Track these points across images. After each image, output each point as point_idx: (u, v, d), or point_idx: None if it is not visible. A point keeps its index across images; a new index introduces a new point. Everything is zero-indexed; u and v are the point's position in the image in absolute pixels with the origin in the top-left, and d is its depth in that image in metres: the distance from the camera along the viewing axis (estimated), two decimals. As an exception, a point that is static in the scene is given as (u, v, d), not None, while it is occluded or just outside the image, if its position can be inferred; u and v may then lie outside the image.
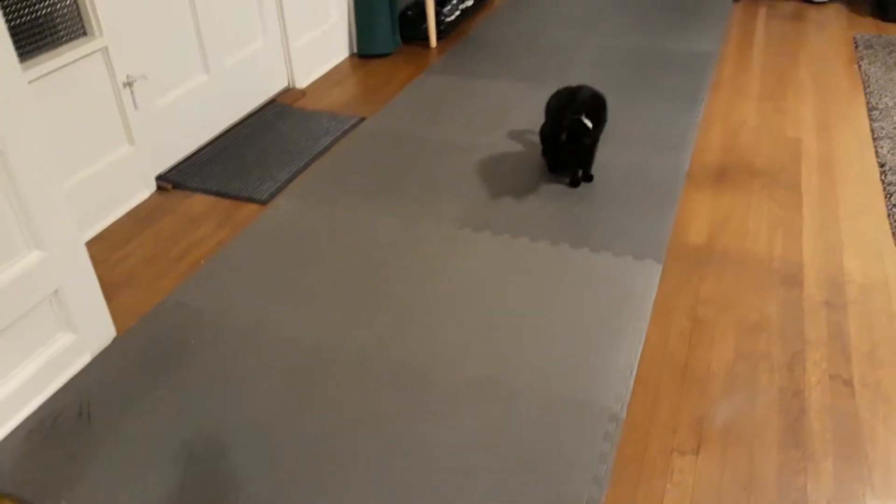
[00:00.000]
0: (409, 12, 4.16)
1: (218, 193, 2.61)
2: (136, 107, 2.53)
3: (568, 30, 3.97)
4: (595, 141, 2.47)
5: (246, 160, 2.81)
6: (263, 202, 2.55)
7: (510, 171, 2.67)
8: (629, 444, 1.62)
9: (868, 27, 3.87)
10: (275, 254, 2.27)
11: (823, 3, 4.23)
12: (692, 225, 2.34)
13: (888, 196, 2.41)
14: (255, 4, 3.10)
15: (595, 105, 2.39)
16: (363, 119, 3.13)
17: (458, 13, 4.24)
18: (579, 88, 2.47)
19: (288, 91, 3.41)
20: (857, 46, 3.59)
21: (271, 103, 3.28)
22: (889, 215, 2.33)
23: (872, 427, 1.64)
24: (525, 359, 1.84)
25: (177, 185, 2.67)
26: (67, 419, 1.72)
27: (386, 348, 1.89)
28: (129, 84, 2.48)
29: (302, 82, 3.47)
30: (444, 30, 4.02)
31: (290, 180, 2.68)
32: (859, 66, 3.39)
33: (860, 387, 1.74)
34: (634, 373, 1.80)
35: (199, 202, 2.58)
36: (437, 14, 4.06)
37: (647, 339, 1.90)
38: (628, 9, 4.23)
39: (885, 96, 3.06)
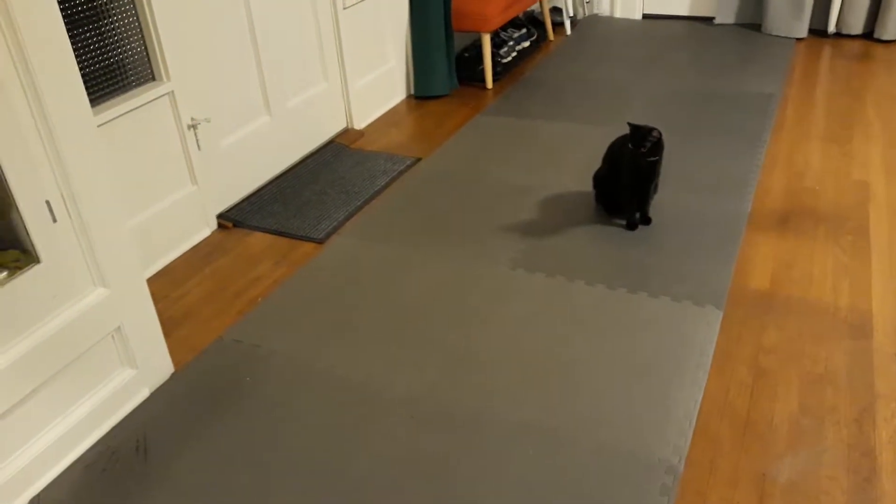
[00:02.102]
0: (466, 54, 4.22)
1: (276, 232, 2.66)
2: (199, 148, 2.61)
3: (624, 71, 3.96)
4: (657, 176, 2.43)
5: (304, 200, 2.86)
6: (320, 241, 2.59)
7: (565, 212, 2.65)
8: (687, 499, 1.56)
9: (939, 67, 3.74)
10: (329, 293, 2.29)
11: (892, 41, 4.12)
12: (754, 271, 2.28)
13: (964, 243, 2.31)
14: (316, 49, 3.18)
15: (657, 140, 2.36)
16: (419, 160, 3.16)
17: (514, 55, 4.28)
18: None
19: (346, 132, 3.47)
20: (927, 86, 3.48)
21: (330, 144, 3.34)
22: (965, 263, 2.22)
23: (951, 490, 1.54)
24: (579, 406, 1.80)
25: (237, 224, 2.73)
26: (125, 455, 1.75)
27: (437, 391, 1.88)
28: (193, 126, 2.56)
29: (360, 123, 3.54)
30: (500, 71, 4.06)
31: (346, 220, 2.71)
32: (930, 107, 3.28)
33: (936, 446, 1.64)
34: (693, 424, 1.74)
35: (258, 240, 2.63)
36: (494, 56, 4.11)
37: (707, 388, 1.84)
38: (686, 49, 4.19)
39: (959, 138, 2.95)
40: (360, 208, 2.79)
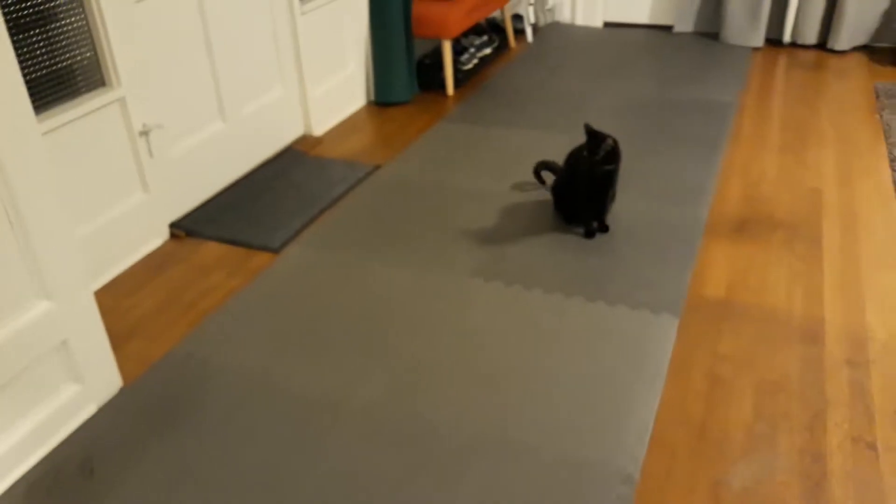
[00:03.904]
0: (427, 60, 4.20)
1: (230, 241, 2.61)
2: (151, 155, 2.55)
3: (585, 79, 3.98)
4: (614, 184, 2.44)
5: (260, 208, 2.82)
6: (275, 251, 2.54)
7: (525, 220, 2.65)
8: (643, 510, 1.56)
9: (889, 76, 3.83)
10: (285, 304, 2.25)
11: (844, 52, 4.21)
12: (710, 278, 2.30)
13: (912, 249, 2.35)
14: (273, 55, 3.14)
15: (612, 149, 2.36)
16: (378, 167, 3.14)
17: (475, 62, 4.28)
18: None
19: (304, 138, 3.43)
20: (878, 96, 3.56)
21: (287, 151, 3.30)
22: (913, 269, 2.27)
23: (899, 495, 1.57)
24: (536, 416, 1.79)
25: (190, 233, 2.67)
26: (70, 473, 1.69)
27: (394, 402, 1.85)
28: (145, 133, 2.51)
29: (319, 130, 3.50)
30: (461, 78, 4.06)
31: (303, 229, 2.67)
32: (881, 116, 3.35)
33: (884, 450, 1.66)
34: (650, 433, 1.74)
35: (211, 250, 2.58)
36: (455, 62, 4.11)
37: (664, 397, 1.85)
38: (646, 58, 4.24)
39: (908, 146, 3.02)
40: (317, 216, 2.76)
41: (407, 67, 3.79)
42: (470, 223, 2.65)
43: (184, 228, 2.68)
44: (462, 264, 2.41)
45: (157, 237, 2.63)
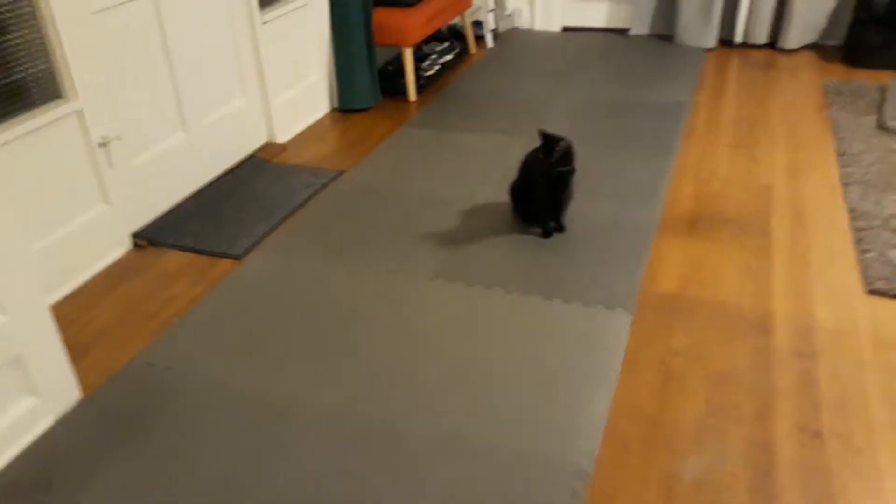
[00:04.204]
0: (390, 67, 4.24)
1: (193, 250, 2.62)
2: (111, 166, 2.55)
3: (544, 83, 4.04)
4: (570, 185, 2.49)
5: (223, 216, 2.83)
6: (238, 258, 2.56)
7: (485, 222, 2.69)
8: (596, 502, 1.60)
9: (837, 73, 3.95)
10: (247, 311, 2.27)
11: (794, 50, 4.33)
12: (663, 274, 2.35)
13: (857, 242, 2.43)
14: (233, 65, 3.15)
15: (566, 151, 2.41)
16: (341, 173, 3.16)
17: (437, 68, 4.32)
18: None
19: (268, 146, 3.44)
20: (826, 93, 3.66)
21: (250, 159, 3.31)
22: (859, 261, 2.34)
23: (843, 480, 1.62)
24: (495, 414, 1.82)
25: (152, 243, 2.67)
26: (25, 487, 1.69)
27: (355, 405, 1.88)
28: (104, 144, 2.50)
29: (282, 137, 3.52)
30: (423, 84, 4.10)
31: (265, 235, 2.69)
32: (829, 113, 3.45)
33: (830, 437, 1.73)
34: (603, 427, 1.78)
35: (174, 259, 2.58)
36: (416, 69, 4.14)
37: (617, 392, 1.89)
38: (604, 62, 4.31)
39: (855, 142, 3.11)
40: (280, 223, 2.77)
41: (369, 74, 3.82)
42: (432, 227, 2.68)
43: (146, 238, 2.68)
44: (424, 267, 2.44)
45: (120, 247, 2.63)
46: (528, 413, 1.82)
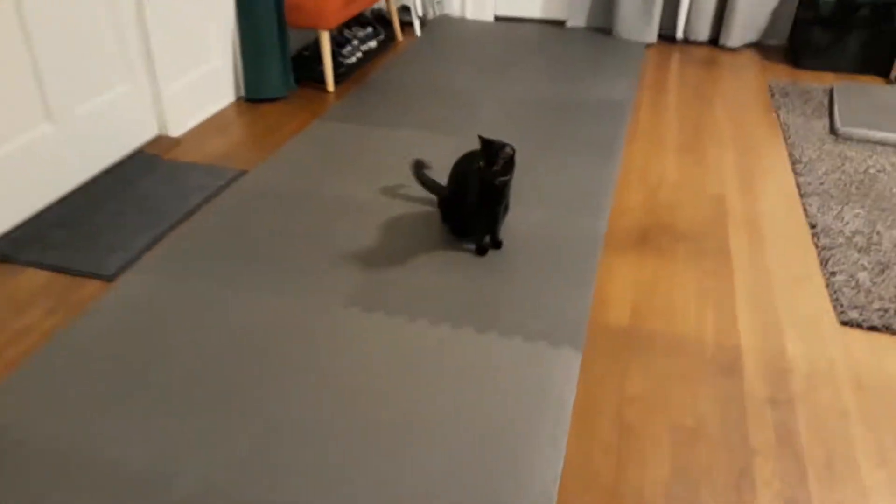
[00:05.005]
0: (306, 52, 3.82)
1: (55, 268, 2.16)
2: (-53, 165, 2.07)
3: (475, 75, 3.70)
4: (507, 195, 2.16)
5: (97, 225, 2.37)
6: (110, 278, 2.12)
7: (410, 235, 2.33)
8: None
9: (781, 74, 3.76)
10: (116, 348, 1.84)
11: (736, 48, 4.13)
12: (613, 300, 2.05)
13: (823, 263, 2.19)
14: (114, 45, 2.68)
15: (509, 158, 2.08)
16: (244, 173, 2.74)
17: (359, 55, 3.93)
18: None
19: (159, 140, 2.98)
20: (773, 94, 3.45)
21: (137, 155, 2.84)
22: (827, 286, 2.10)
23: (838, 565, 1.35)
24: (421, 478, 1.47)
25: (6, 259, 2.20)
26: None
27: (244, 476, 1.49)
28: (-64, 138, 2.02)
29: (176, 130, 3.06)
30: (343, 72, 3.69)
31: (146, 249, 2.25)
32: (778, 116, 3.24)
33: (818, 509, 1.45)
34: (555, 499, 1.45)
35: (30, 280, 2.12)
36: (336, 55, 3.74)
37: (568, 452, 1.57)
38: (538, 53, 4.00)
39: (808, 148, 2.89)
40: (165, 234, 2.34)
41: (281, 59, 3.39)
42: (348, 240, 2.31)
43: (-6, 254, 2.21)
44: (338, 291, 2.07)
45: (-43, 266, 2.15)
46: (464, 478, 1.48)
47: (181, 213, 2.44)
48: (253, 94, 3.42)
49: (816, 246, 2.28)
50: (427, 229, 2.36)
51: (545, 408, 1.66)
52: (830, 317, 1.98)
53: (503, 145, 2.02)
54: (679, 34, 4.20)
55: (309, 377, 1.75)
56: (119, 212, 2.45)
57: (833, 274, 2.13)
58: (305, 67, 3.67)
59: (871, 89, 3.42)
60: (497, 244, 2.25)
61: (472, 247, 2.25)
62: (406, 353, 1.83)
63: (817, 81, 3.64)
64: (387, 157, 2.85)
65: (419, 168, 2.46)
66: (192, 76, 3.12)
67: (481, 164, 2.03)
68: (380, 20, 4.41)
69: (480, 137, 2.04)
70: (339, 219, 2.43)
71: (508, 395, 1.70)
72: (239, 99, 3.46)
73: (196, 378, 1.74)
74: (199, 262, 2.19)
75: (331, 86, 3.56)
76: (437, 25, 4.48)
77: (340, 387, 1.72)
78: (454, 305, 2.00)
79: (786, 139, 3.01)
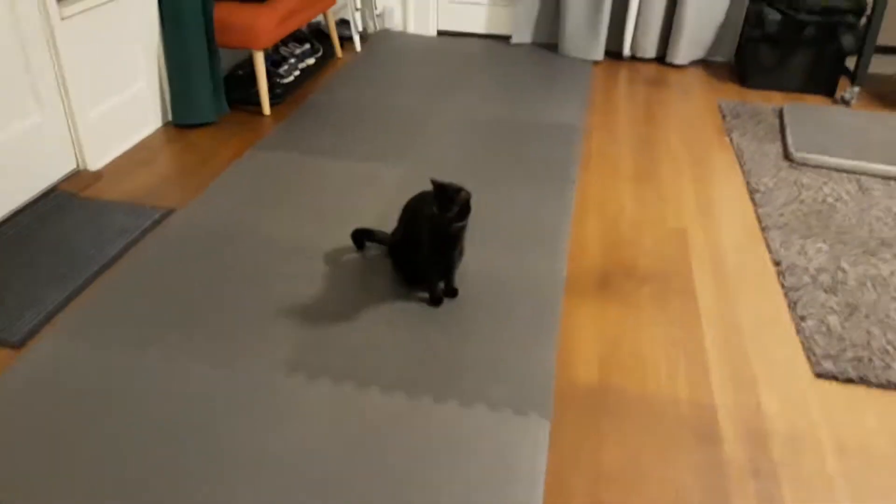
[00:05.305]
0: (240, 72, 3.59)
1: (-48, 334, 1.90)
2: None
3: (419, 96, 3.53)
4: (462, 240, 2.00)
5: (4, 277, 2.11)
6: (16, 346, 1.87)
7: (356, 284, 2.14)
8: None
9: (730, 93, 3.70)
10: (17, 433, 1.60)
11: (683, 66, 4.07)
12: (579, 354, 1.91)
13: (791, 305, 2.10)
14: (20, 71, 2.41)
15: (467, 203, 1.92)
16: (171, 212, 2.51)
17: (296, 73, 3.72)
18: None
19: (77, 175, 2.72)
20: (724, 116, 3.39)
21: (50, 193, 2.58)
22: (798, 331, 2.00)
23: None
24: None
25: None
26: None
27: None
28: None
29: (96, 163, 2.79)
30: (280, 93, 3.48)
31: (60, 308, 2.01)
32: (730, 139, 3.17)
33: None
34: None
35: (-79, 348, 1.85)
36: (272, 75, 3.52)
37: (540, 543, 1.42)
38: (484, 71, 3.86)
39: (764, 176, 2.82)
40: (82, 288, 2.10)
41: (211, 80, 3.15)
42: (287, 289, 2.11)
43: None
44: (277, 354, 1.87)
45: None
46: (424, 592, 1.31)
47: (101, 263, 2.20)
48: (181, 118, 3.18)
49: (783, 286, 2.19)
50: (375, 276, 2.18)
51: (513, 490, 1.51)
52: (804, 367, 1.88)
53: (458, 189, 1.86)
54: (626, 51, 4.12)
55: (243, 462, 1.55)
56: (28, 262, 2.19)
57: (803, 318, 2.03)
58: (239, 88, 3.44)
59: (819, 111, 3.39)
60: (452, 293, 2.09)
61: (426, 296, 2.08)
62: (356, 429, 1.65)
63: (766, 101, 3.60)
64: (329, 191, 2.65)
65: (360, 236, 2.29)
66: (112, 101, 2.86)
67: (435, 209, 1.87)
68: (318, 35, 4.19)
69: (433, 181, 1.88)
70: (277, 265, 2.22)
71: (472, 475, 1.53)
72: (166, 124, 3.21)
73: (110, 466, 1.52)
74: (120, 323, 1.96)
75: (266, 109, 3.34)
76: (379, 40, 4.29)
77: (282, 472, 1.53)
78: (408, 368, 1.83)
79: (741, 165, 2.93)
